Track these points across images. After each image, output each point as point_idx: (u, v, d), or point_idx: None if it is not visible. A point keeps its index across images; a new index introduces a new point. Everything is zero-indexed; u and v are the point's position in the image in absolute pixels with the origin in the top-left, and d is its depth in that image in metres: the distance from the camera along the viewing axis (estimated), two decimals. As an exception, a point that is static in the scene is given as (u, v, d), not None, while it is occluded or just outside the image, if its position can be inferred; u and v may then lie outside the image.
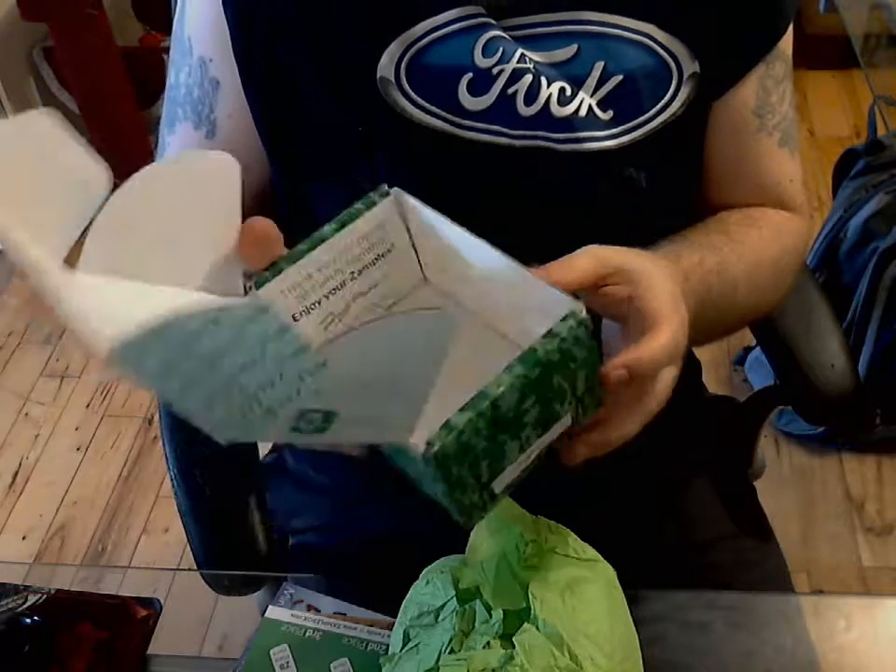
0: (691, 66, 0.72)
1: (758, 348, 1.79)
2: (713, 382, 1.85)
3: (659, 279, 0.57)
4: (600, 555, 0.64)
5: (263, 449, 1.00)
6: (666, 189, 0.74)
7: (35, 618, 0.73)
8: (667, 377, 0.58)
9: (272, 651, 0.67)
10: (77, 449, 1.95)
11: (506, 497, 0.64)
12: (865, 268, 1.65)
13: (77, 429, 1.99)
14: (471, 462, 0.49)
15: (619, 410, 0.57)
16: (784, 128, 0.79)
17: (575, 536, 0.64)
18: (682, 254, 0.67)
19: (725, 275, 0.71)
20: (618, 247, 0.58)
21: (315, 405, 0.43)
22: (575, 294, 0.52)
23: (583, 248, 0.57)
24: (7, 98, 2.31)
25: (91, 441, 1.97)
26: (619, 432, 0.57)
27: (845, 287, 1.70)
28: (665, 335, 0.55)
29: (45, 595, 0.75)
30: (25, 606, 0.75)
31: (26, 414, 2.04)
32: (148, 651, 0.73)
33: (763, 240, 0.77)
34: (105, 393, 2.06)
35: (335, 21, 0.69)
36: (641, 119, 0.72)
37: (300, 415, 0.43)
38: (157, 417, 1.94)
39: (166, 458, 0.86)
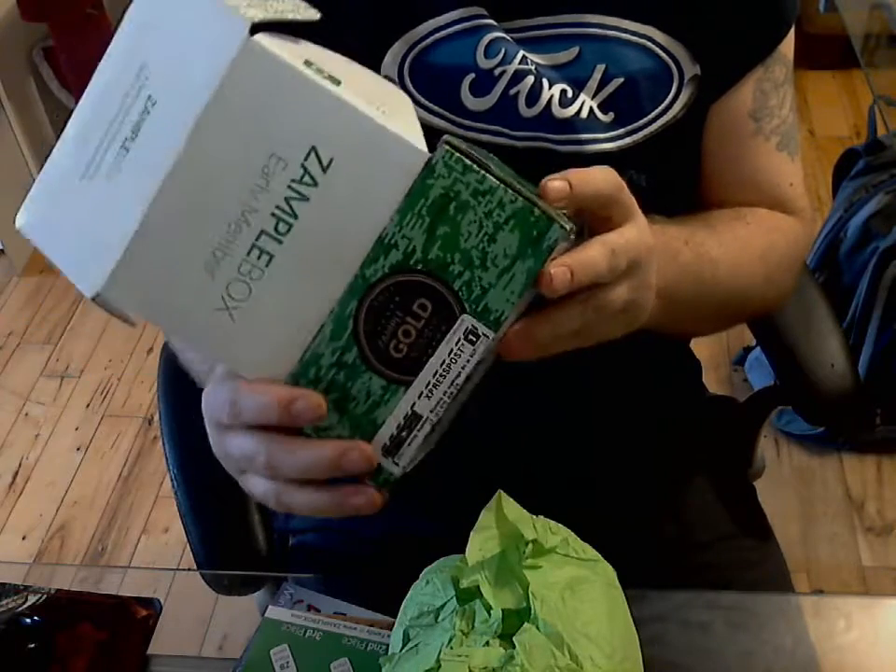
0: (692, 69, 0.72)
1: (758, 348, 1.79)
2: (713, 382, 1.85)
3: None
4: (600, 555, 0.64)
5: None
6: (667, 190, 0.74)
7: (35, 618, 0.73)
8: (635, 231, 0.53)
9: (272, 651, 0.67)
10: (77, 449, 1.95)
11: (506, 497, 0.65)
12: (865, 268, 1.66)
13: (76, 429, 1.99)
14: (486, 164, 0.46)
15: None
16: (783, 131, 0.79)
17: (575, 536, 0.64)
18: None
19: (697, 248, 0.70)
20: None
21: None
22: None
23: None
24: (7, 98, 2.31)
25: (91, 441, 1.97)
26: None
27: (845, 287, 1.71)
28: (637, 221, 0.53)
29: (45, 595, 0.75)
30: (25, 606, 0.75)
31: (26, 414, 2.04)
32: (148, 651, 0.73)
33: (748, 232, 0.76)
34: (104, 393, 2.06)
35: (338, 19, 0.69)
36: (642, 121, 0.72)
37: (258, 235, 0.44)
38: (157, 417, 1.94)
39: (166, 458, 0.87)
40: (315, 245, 0.45)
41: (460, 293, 0.47)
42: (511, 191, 0.46)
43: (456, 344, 0.48)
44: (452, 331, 0.47)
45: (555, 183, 0.48)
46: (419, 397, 0.49)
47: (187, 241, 0.44)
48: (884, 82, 1.78)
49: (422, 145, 0.46)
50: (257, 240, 0.45)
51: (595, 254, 0.50)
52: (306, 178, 0.44)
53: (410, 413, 0.49)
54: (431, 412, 0.49)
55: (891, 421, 1.73)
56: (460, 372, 0.48)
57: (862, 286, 1.66)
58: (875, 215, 1.68)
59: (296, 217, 0.45)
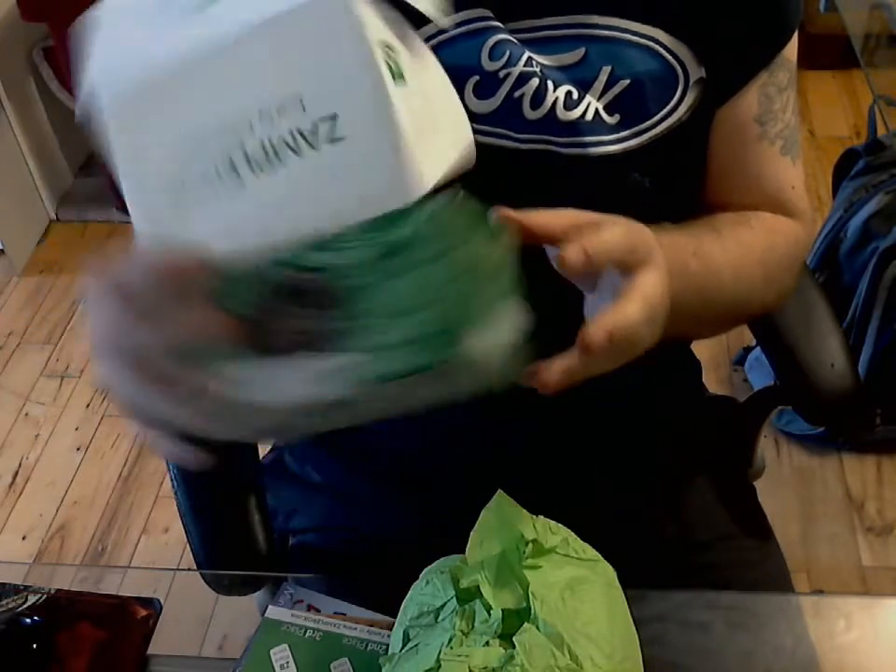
0: (697, 72, 0.72)
1: (758, 348, 1.79)
2: (713, 382, 1.85)
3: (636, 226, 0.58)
4: (600, 555, 0.64)
5: (263, 449, 1.00)
6: (670, 193, 0.74)
7: (35, 618, 0.73)
8: (650, 280, 0.56)
9: (272, 651, 0.67)
10: (77, 449, 1.95)
11: (506, 497, 0.65)
12: (865, 268, 1.65)
13: (76, 429, 1.99)
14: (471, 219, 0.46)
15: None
16: (787, 136, 0.79)
17: (575, 536, 0.64)
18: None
19: (705, 259, 0.70)
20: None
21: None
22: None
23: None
24: (7, 98, 2.31)
25: (91, 441, 1.97)
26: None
27: (845, 287, 1.71)
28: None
29: (45, 595, 0.75)
30: (25, 606, 0.75)
31: (26, 414, 2.04)
32: (148, 651, 0.73)
33: (752, 236, 0.77)
34: (105, 393, 2.06)
35: None
36: (647, 123, 0.72)
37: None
38: (157, 417, 1.94)
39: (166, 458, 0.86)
40: (278, 198, 0.45)
41: (359, 331, 0.45)
42: (457, 301, 0.45)
43: (329, 372, 0.45)
44: (332, 357, 0.45)
45: (572, 255, 0.51)
46: (268, 393, 0.46)
47: (189, 118, 0.45)
48: (884, 82, 1.78)
49: (426, 182, 0.45)
50: (235, 158, 0.45)
51: (633, 314, 0.54)
52: (310, 137, 0.44)
53: (254, 402, 0.46)
54: (270, 408, 0.46)
55: (891, 421, 1.72)
56: (313, 395, 0.45)
57: (862, 286, 1.66)
58: (875, 215, 1.68)
59: (279, 161, 0.44)
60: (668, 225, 0.70)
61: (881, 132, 1.86)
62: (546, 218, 0.55)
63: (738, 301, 0.77)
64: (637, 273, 0.55)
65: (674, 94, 0.72)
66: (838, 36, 2.07)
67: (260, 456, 0.97)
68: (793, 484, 1.75)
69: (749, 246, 0.76)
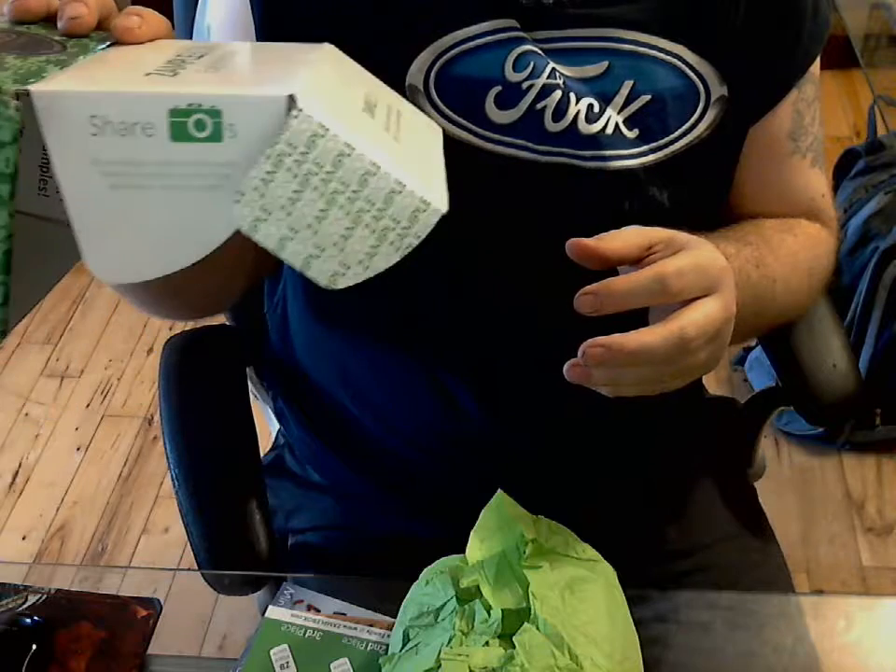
0: (719, 90, 0.72)
1: (758, 348, 1.79)
2: (713, 382, 1.85)
3: (708, 245, 0.60)
4: (600, 555, 0.64)
5: (263, 449, 1.00)
6: (689, 209, 0.75)
7: (35, 618, 0.73)
8: (709, 307, 0.58)
9: (272, 651, 0.67)
10: (77, 449, 1.95)
11: (506, 497, 0.65)
12: (865, 268, 1.66)
13: (76, 429, 1.99)
14: None
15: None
16: (815, 147, 0.81)
17: (575, 536, 0.65)
18: (719, 244, 0.66)
19: (764, 269, 0.72)
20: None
21: None
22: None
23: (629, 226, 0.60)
24: (7, 98, 2.31)
25: (91, 441, 1.97)
26: (639, 340, 0.56)
27: (845, 287, 1.71)
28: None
29: (45, 595, 0.75)
30: (25, 606, 0.75)
31: (26, 414, 2.04)
32: (148, 651, 0.73)
33: (798, 245, 0.79)
34: (104, 393, 2.06)
35: (367, 27, 0.69)
36: (666, 139, 0.72)
37: None
38: (157, 417, 1.94)
39: (167, 457, 0.87)
40: None
41: None
42: None
43: None
44: None
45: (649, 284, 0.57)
46: None
47: None
48: (884, 82, 1.79)
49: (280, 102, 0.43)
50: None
51: (649, 342, 0.56)
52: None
53: None
54: None
55: (891, 421, 1.72)
56: None
57: (862, 286, 1.66)
58: (874, 215, 1.68)
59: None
60: (727, 233, 0.74)
61: (881, 132, 1.86)
62: (618, 244, 0.57)
63: (785, 309, 0.80)
64: (695, 303, 0.57)
65: (694, 111, 0.72)
66: (838, 36, 2.07)
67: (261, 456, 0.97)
68: (793, 484, 1.75)
69: (796, 257, 0.78)
